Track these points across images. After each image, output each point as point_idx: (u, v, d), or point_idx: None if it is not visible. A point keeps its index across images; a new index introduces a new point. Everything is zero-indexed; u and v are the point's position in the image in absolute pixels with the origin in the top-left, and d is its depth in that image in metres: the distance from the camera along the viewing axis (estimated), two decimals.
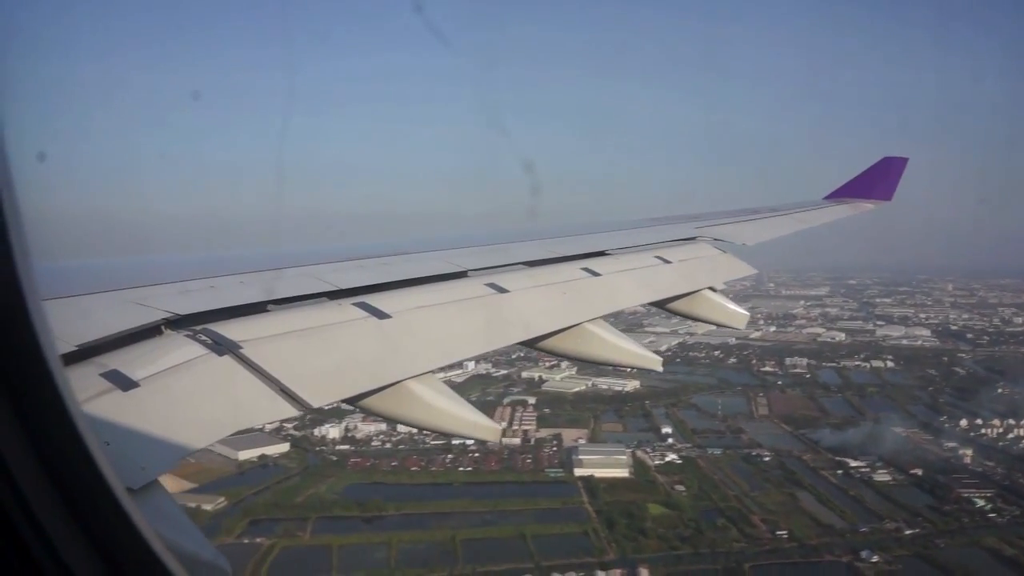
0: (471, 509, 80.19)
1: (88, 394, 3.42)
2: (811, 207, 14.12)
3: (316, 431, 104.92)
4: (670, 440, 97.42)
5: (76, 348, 3.63)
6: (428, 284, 6.19)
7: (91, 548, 1.95)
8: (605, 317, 6.98)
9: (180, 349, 4.11)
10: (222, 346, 4.24)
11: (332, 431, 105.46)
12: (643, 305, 8.54)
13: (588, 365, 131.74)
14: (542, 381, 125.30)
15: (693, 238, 9.80)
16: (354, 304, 5.32)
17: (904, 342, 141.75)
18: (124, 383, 3.56)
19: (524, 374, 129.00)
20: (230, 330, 4.43)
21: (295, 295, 5.26)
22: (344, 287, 5.52)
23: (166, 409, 3.70)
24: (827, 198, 15.29)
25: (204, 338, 4.28)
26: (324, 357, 4.74)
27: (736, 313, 8.74)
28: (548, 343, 6.59)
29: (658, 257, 8.59)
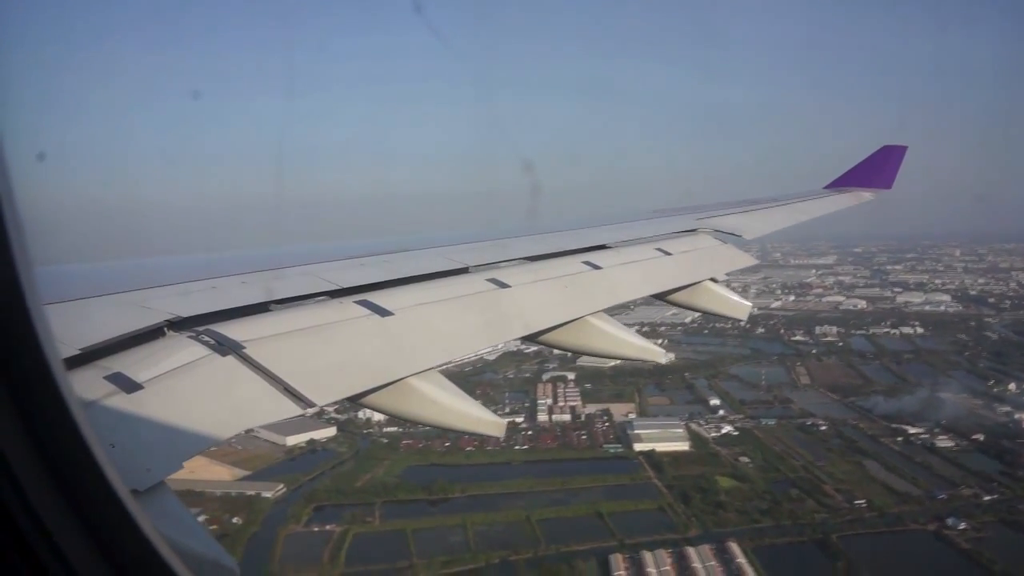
0: (538, 488, 79.02)
1: (92, 397, 3.39)
2: (811, 197, 14.10)
3: (360, 413, 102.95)
4: (721, 412, 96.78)
5: (79, 351, 3.59)
6: (429, 281, 6.15)
7: (96, 551, 1.96)
8: (607, 310, 6.92)
9: (183, 350, 4.07)
10: (225, 346, 4.18)
11: (377, 413, 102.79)
12: (644, 298, 8.39)
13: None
14: (571, 357, 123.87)
15: (694, 230, 9.71)
16: (356, 302, 5.27)
17: (927, 308, 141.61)
18: (128, 385, 3.53)
19: (556, 351, 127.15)
20: (233, 330, 4.37)
21: (297, 294, 5.19)
22: (346, 285, 5.46)
23: (170, 410, 3.65)
24: (827, 187, 15.29)
25: (207, 339, 4.23)
26: (327, 355, 4.69)
27: (738, 304, 8.63)
28: (550, 337, 6.53)
29: (659, 249, 8.53)
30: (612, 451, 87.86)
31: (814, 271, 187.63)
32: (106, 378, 3.55)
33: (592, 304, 6.80)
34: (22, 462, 1.84)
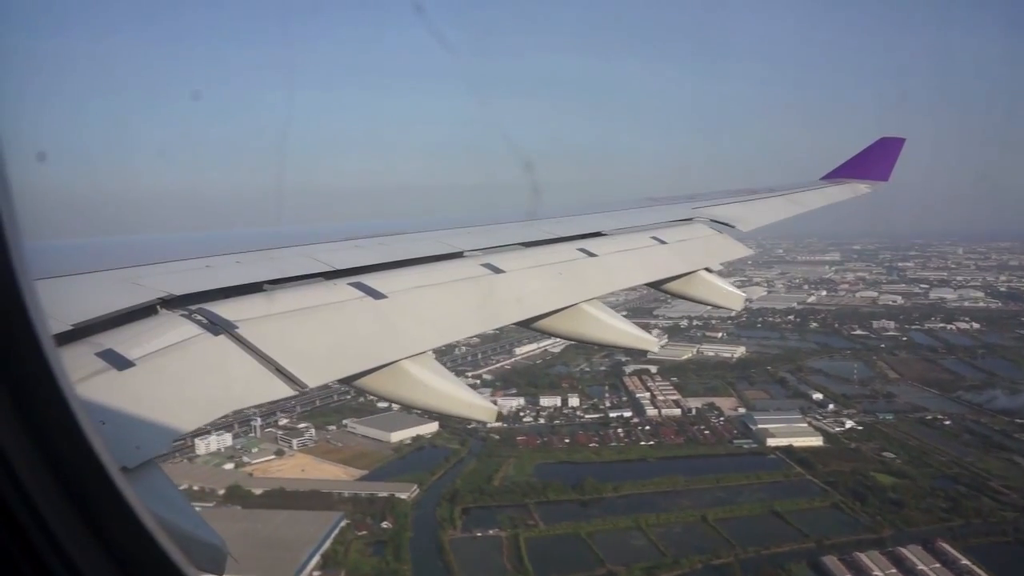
0: (694, 487, 74.85)
1: (83, 373, 3.31)
2: (808, 187, 13.78)
3: None
4: (831, 407, 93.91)
5: (71, 327, 3.50)
6: (424, 264, 5.94)
7: (84, 526, 1.93)
8: (601, 297, 6.76)
9: (175, 329, 3.96)
10: (217, 326, 4.08)
11: None
12: (639, 286, 8.21)
13: (680, 333, 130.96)
14: (641, 350, 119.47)
15: (690, 219, 9.48)
16: (350, 284, 5.11)
17: (966, 304, 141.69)
18: (119, 363, 3.44)
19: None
20: (226, 310, 4.25)
21: (291, 275, 5.04)
22: (340, 267, 5.31)
23: (161, 389, 3.60)
24: (824, 178, 14.94)
25: (199, 318, 4.11)
26: (320, 337, 4.58)
27: (732, 294, 8.39)
28: (544, 323, 6.36)
29: (654, 238, 8.33)
30: (745, 447, 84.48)
31: (827, 267, 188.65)
32: (97, 354, 3.43)
33: (587, 291, 6.62)
34: (11, 438, 1.79)
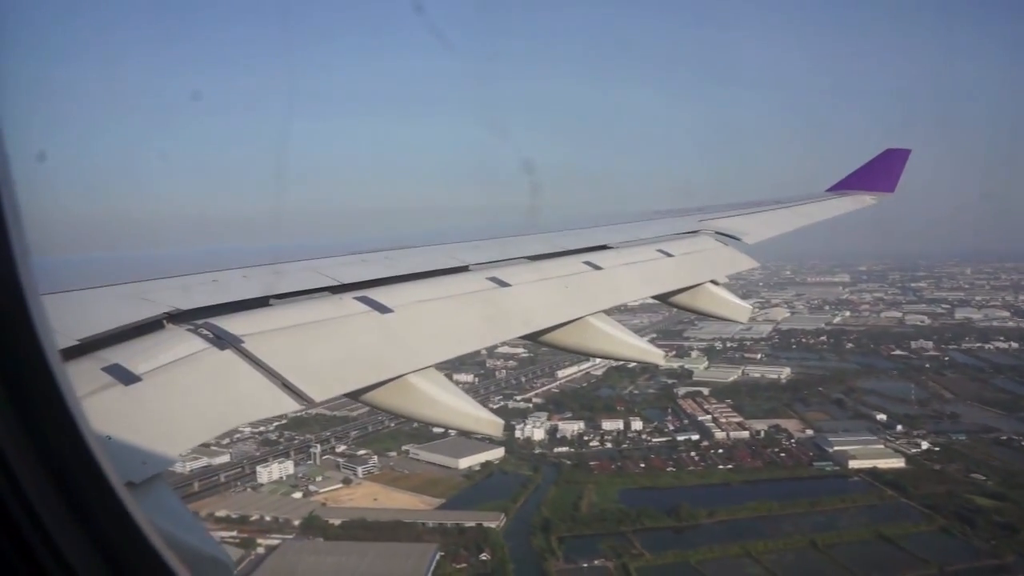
0: (789, 511, 70.04)
1: (90, 388, 3.25)
2: (814, 199, 13.54)
3: (517, 433, 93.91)
4: (898, 427, 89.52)
5: (78, 342, 3.44)
6: (430, 278, 5.82)
7: (88, 541, 1.91)
8: (608, 311, 6.68)
9: (182, 343, 3.90)
10: (224, 340, 4.01)
11: (536, 432, 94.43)
12: (645, 299, 8.09)
13: (716, 354, 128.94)
14: (685, 371, 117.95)
15: (696, 232, 9.34)
16: (355, 298, 5.02)
17: (994, 323, 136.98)
18: (126, 377, 3.38)
19: (663, 365, 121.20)
20: (232, 324, 4.17)
21: (297, 289, 4.96)
22: (346, 281, 5.20)
23: (168, 403, 3.53)
24: (830, 190, 14.65)
25: (206, 332, 4.04)
26: (326, 351, 4.47)
27: (739, 306, 8.17)
28: (550, 337, 6.26)
29: (660, 251, 8.15)
30: (828, 469, 79.60)
31: (841, 288, 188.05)
32: (104, 369, 3.36)
33: (593, 304, 6.47)
34: (17, 453, 1.78)
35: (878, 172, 14.89)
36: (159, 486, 3.02)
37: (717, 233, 9.39)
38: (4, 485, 1.76)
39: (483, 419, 5.05)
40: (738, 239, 9.41)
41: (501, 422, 5.27)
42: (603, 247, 7.76)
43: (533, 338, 6.21)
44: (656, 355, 7.28)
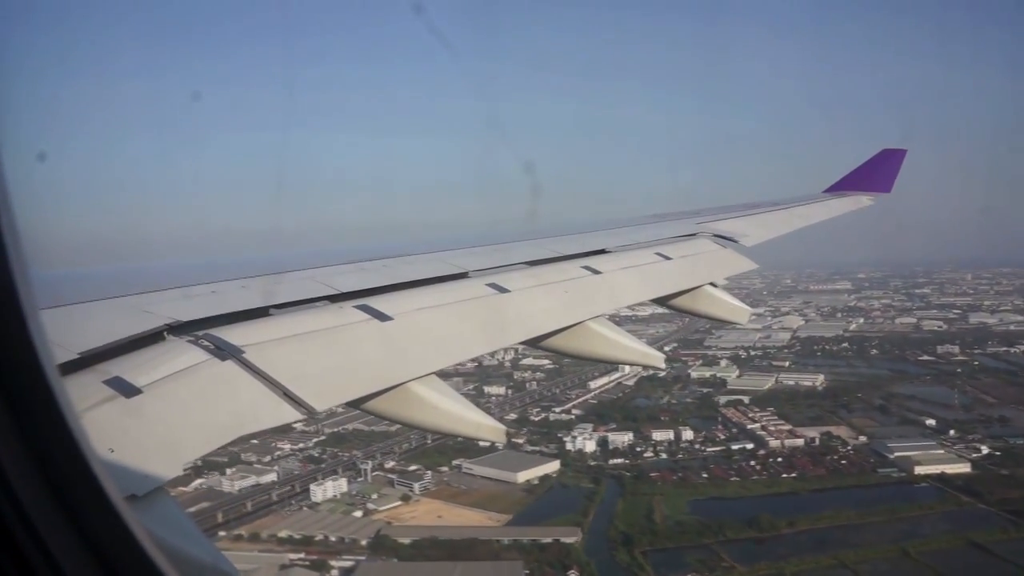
0: (870, 520, 66.71)
1: (91, 401, 3.22)
2: (811, 201, 13.46)
3: (569, 446, 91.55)
4: (951, 432, 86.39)
5: (78, 356, 3.40)
6: (429, 285, 5.82)
7: (89, 555, 1.90)
8: (607, 315, 6.58)
9: (183, 355, 3.87)
10: (224, 351, 3.98)
11: (587, 444, 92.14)
12: (644, 302, 7.98)
13: (743, 363, 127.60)
14: (718, 380, 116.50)
15: (694, 234, 9.22)
16: (355, 307, 5.02)
17: (1012, 327, 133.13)
18: (127, 390, 3.36)
19: (694, 374, 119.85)
20: (232, 335, 4.14)
21: (296, 299, 4.93)
22: (345, 290, 5.19)
23: (169, 415, 3.49)
24: (827, 191, 14.54)
25: (206, 343, 4.01)
26: (327, 360, 4.45)
27: (738, 308, 8.15)
28: (551, 342, 6.25)
29: (659, 254, 8.12)
30: (894, 475, 76.21)
31: (846, 295, 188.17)
32: (105, 382, 3.33)
33: (592, 309, 6.46)
34: (16, 467, 1.77)
35: (875, 173, 14.76)
36: (162, 498, 2.94)
37: (715, 235, 9.25)
38: (3, 498, 1.72)
39: (485, 425, 4.94)
40: (736, 241, 9.25)
41: (503, 428, 5.17)
42: (601, 251, 7.65)
43: (534, 343, 6.18)
44: (657, 358, 7.06)
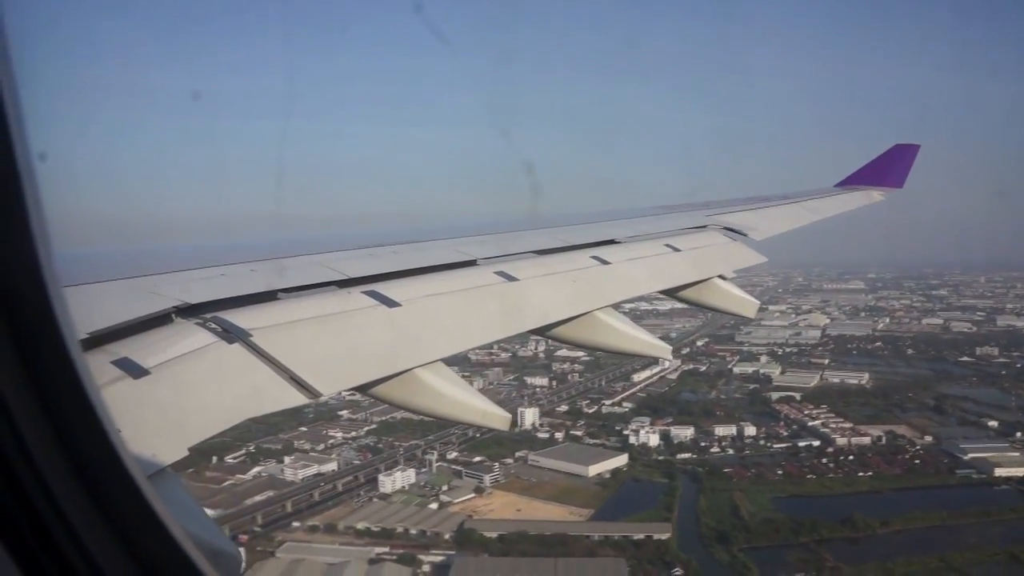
0: (961, 521, 65.08)
1: (99, 382, 2.96)
2: (822, 194, 13.25)
3: (632, 439, 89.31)
4: (1018, 434, 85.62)
5: (87, 336, 3.39)
6: (438, 272, 5.68)
7: (111, 531, 1.92)
8: (615, 305, 6.46)
9: (190, 337, 3.83)
10: (232, 334, 3.93)
11: (650, 437, 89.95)
12: (653, 293, 7.84)
13: (779, 359, 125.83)
14: (763, 376, 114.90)
15: (703, 226, 9.03)
16: (364, 292, 4.92)
17: None
18: (135, 371, 3.36)
19: (736, 369, 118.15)
20: (240, 318, 4.09)
21: (305, 283, 4.77)
22: (354, 275, 5.05)
23: (176, 397, 3.50)
24: (838, 185, 14.32)
25: (214, 326, 3.96)
26: (334, 345, 4.38)
27: (746, 301, 8.05)
28: (558, 331, 6.16)
29: (668, 245, 8.01)
30: (974, 476, 74.84)
31: (865, 295, 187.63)
32: (113, 363, 3.33)
33: (601, 299, 6.37)
34: (41, 447, 1.80)
35: (887, 167, 14.46)
36: (168, 479, 2.95)
37: (725, 228, 9.11)
38: (29, 478, 1.76)
39: (491, 413, 4.91)
40: (745, 235, 9.09)
41: (509, 416, 5.07)
42: (610, 242, 7.53)
43: (541, 332, 6.09)
44: (664, 350, 7.03)
